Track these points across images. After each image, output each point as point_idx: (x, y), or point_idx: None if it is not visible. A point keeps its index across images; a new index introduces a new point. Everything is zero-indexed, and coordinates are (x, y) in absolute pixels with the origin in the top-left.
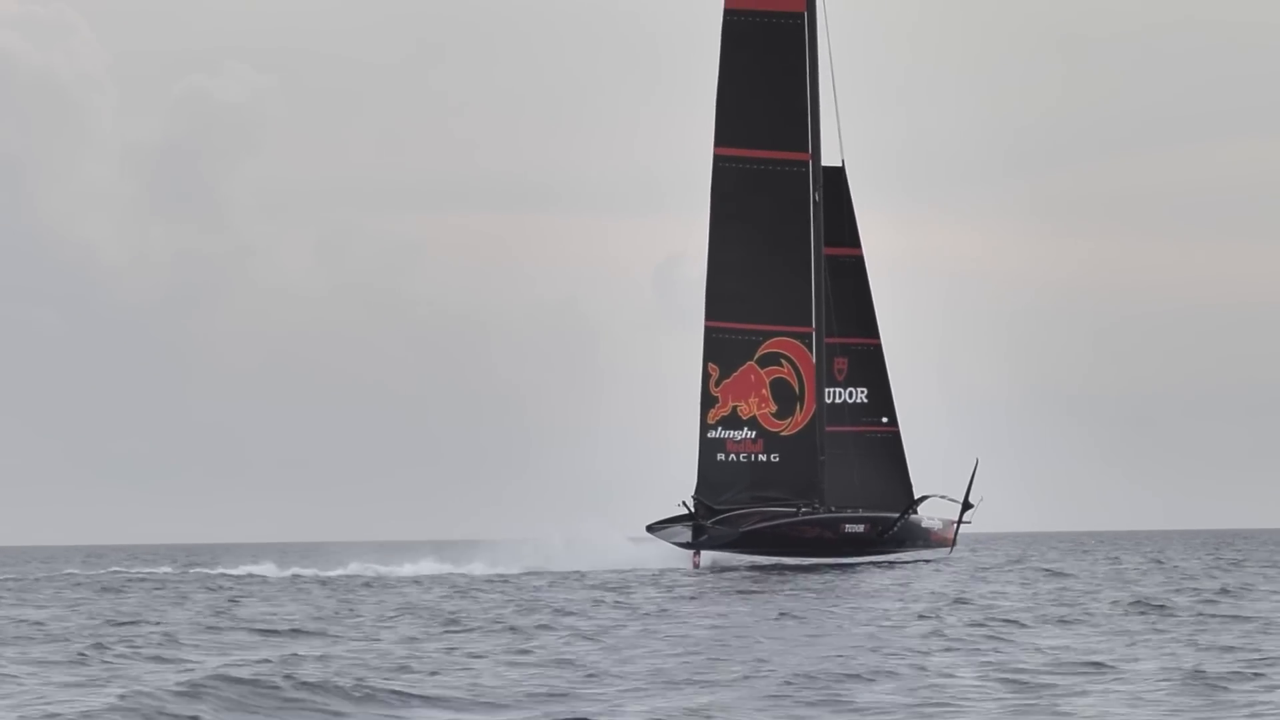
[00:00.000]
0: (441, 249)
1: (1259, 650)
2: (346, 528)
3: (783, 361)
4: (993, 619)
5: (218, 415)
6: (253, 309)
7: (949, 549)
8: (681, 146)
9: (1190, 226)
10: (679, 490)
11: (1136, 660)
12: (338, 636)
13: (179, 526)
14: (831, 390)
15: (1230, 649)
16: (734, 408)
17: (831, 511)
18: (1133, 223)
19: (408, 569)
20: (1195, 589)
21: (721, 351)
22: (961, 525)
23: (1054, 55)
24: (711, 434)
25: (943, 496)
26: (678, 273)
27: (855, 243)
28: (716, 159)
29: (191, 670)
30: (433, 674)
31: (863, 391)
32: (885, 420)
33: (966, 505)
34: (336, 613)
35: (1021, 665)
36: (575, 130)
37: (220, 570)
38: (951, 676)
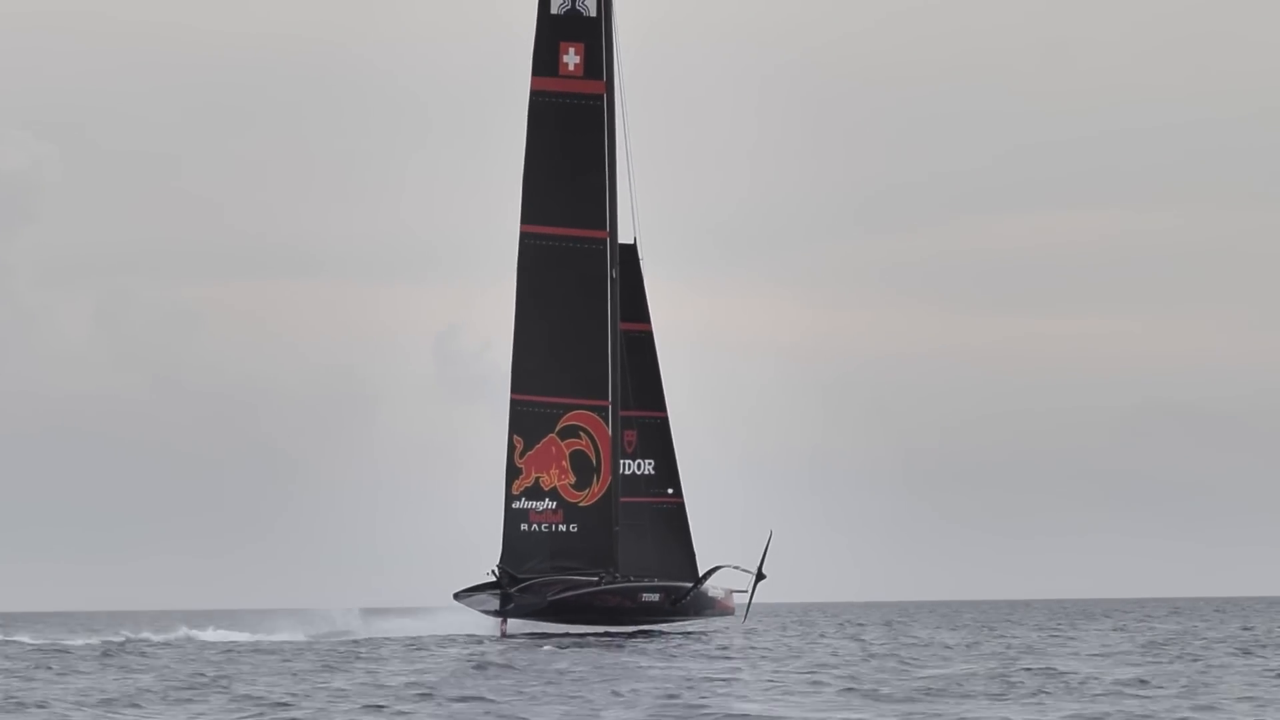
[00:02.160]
0: (221, 316)
1: None
2: (131, 596)
3: (581, 434)
4: None
5: None
6: (31, 378)
7: (741, 619)
8: (463, 218)
9: (980, 296)
10: (459, 557)
11: None
12: None
13: None
14: (623, 462)
15: None
16: (536, 479)
17: (629, 581)
18: (919, 292)
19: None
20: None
21: (525, 424)
22: (752, 596)
23: (835, 134)
24: (516, 504)
25: (735, 567)
26: (458, 342)
27: (645, 318)
28: (522, 236)
29: None
30: None
31: (650, 463)
32: (670, 491)
33: (760, 576)
34: None
35: None
36: (354, 200)
37: None
38: None
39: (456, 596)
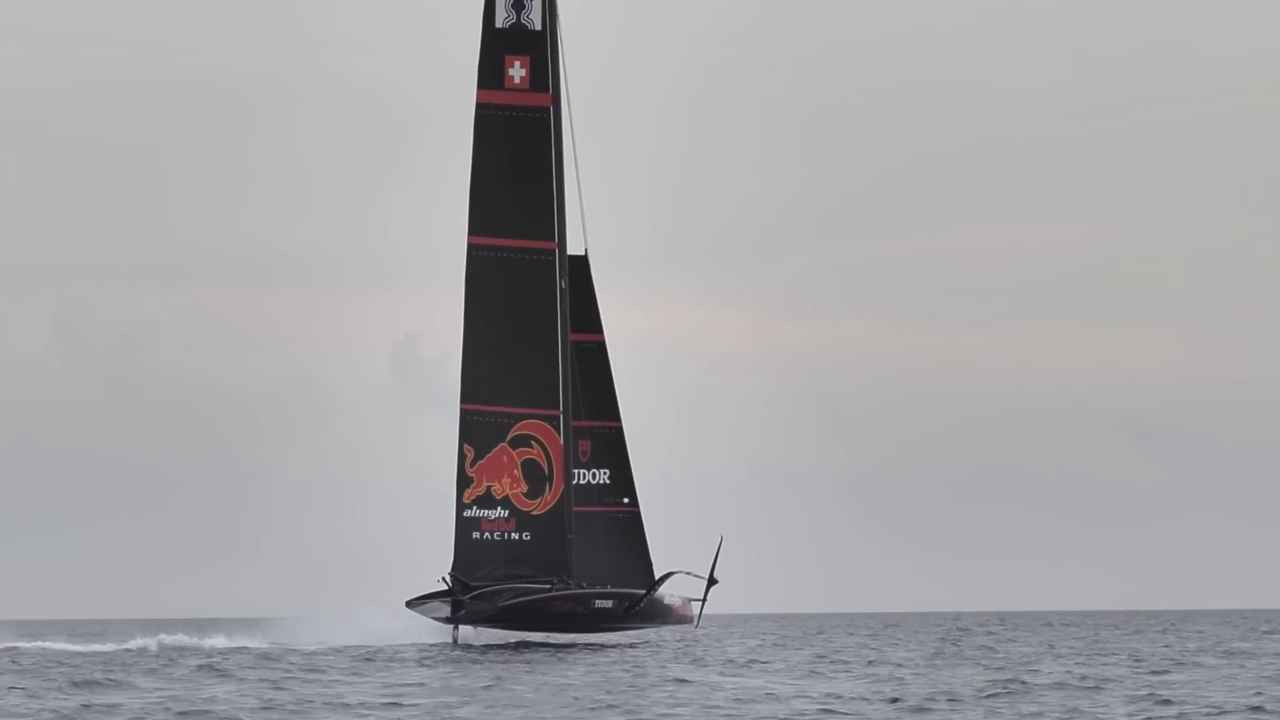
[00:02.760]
0: (180, 324)
1: None
2: (91, 605)
3: (533, 443)
4: None
5: None
6: None
7: (693, 625)
8: (422, 228)
9: (935, 309)
10: (418, 567)
11: None
12: None
13: None
14: (576, 471)
15: None
16: (488, 487)
17: (582, 588)
18: (880, 304)
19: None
20: None
21: (476, 433)
22: (704, 603)
23: (787, 144)
24: (467, 513)
25: (688, 573)
26: (415, 352)
27: (598, 328)
28: (470, 248)
29: None
30: None
31: (605, 473)
32: (626, 500)
33: (712, 582)
34: None
35: None
36: (313, 208)
37: None
38: None
39: (409, 604)
